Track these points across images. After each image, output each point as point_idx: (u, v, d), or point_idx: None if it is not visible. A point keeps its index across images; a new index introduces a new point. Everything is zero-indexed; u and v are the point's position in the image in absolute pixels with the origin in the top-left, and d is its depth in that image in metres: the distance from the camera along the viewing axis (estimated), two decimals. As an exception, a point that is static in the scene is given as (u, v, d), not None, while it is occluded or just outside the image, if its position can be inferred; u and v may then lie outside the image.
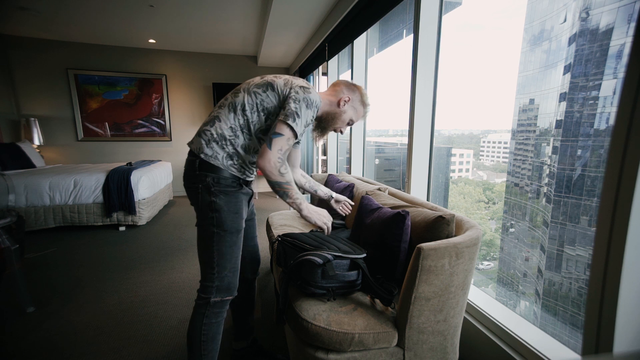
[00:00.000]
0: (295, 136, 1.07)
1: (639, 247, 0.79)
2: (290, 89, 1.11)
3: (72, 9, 3.41)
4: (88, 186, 3.49)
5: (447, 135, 2.29)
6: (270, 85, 1.13)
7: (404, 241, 1.22)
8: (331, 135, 3.80)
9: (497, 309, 1.39)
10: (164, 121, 5.27)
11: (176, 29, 4.06)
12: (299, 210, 1.16)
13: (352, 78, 2.94)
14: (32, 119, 4.48)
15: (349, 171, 3.21)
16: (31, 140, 4.46)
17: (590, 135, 1.30)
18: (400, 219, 1.23)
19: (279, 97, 1.12)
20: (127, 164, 4.13)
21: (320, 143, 1.35)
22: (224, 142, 1.10)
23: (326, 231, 1.23)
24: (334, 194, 1.57)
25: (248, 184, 1.23)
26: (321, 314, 1.06)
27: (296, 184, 1.47)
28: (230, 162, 1.12)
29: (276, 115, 1.12)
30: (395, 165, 3.25)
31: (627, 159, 0.78)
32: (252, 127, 1.12)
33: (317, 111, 1.17)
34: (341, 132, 1.36)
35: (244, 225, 1.18)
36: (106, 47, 4.79)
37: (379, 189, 1.77)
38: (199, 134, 1.13)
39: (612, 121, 1.03)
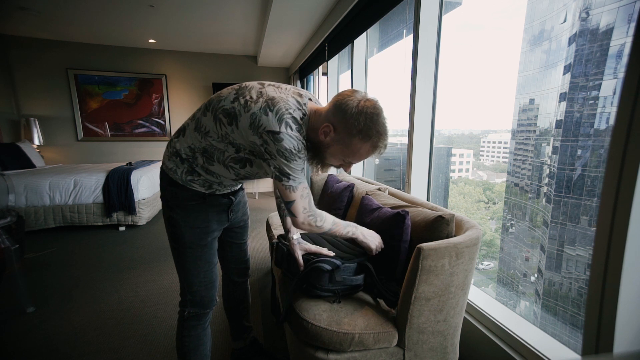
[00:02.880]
0: (304, 184, 0.95)
1: (639, 247, 0.79)
2: (260, 137, 0.87)
3: (72, 8, 3.41)
4: (88, 186, 3.49)
5: (447, 135, 2.29)
6: (235, 120, 0.90)
7: (404, 241, 1.22)
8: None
9: (497, 309, 1.39)
10: (164, 121, 5.26)
11: (176, 29, 4.06)
12: (355, 239, 1.15)
13: (352, 78, 2.94)
14: (32, 119, 4.48)
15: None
16: (31, 140, 4.46)
17: (590, 135, 1.30)
18: (400, 219, 1.23)
19: (244, 138, 0.91)
20: (127, 164, 4.13)
21: (323, 174, 1.12)
22: (182, 159, 1.02)
23: (373, 252, 1.19)
24: (295, 238, 1.23)
25: (218, 196, 1.11)
26: (321, 314, 1.06)
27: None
28: (190, 177, 1.03)
29: (251, 153, 0.96)
30: (395, 165, 3.25)
31: (627, 159, 0.78)
32: (215, 154, 0.98)
33: (305, 152, 0.92)
34: (345, 171, 1.05)
35: (212, 238, 1.12)
36: (106, 47, 4.79)
37: (379, 189, 1.77)
38: (169, 142, 1.07)
39: (612, 121, 1.03)
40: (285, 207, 0.97)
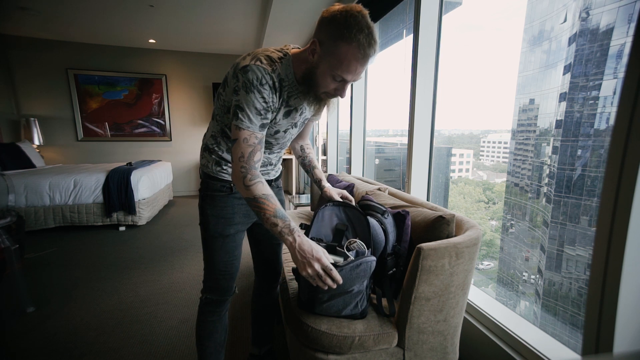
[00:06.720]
0: (253, 131, 0.88)
1: (639, 247, 0.79)
2: (235, 77, 0.89)
3: (72, 8, 3.41)
4: (88, 186, 3.49)
5: (447, 135, 2.29)
6: (225, 81, 0.97)
7: (404, 241, 1.22)
8: (331, 135, 3.80)
9: (497, 309, 1.39)
10: (164, 121, 5.26)
11: (176, 29, 4.06)
12: (284, 242, 0.86)
13: (352, 78, 2.93)
14: (32, 119, 4.48)
15: (349, 171, 3.21)
16: (31, 140, 4.46)
17: (590, 135, 1.30)
18: (400, 219, 1.23)
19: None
20: (127, 164, 4.13)
21: (320, 116, 1.17)
22: (210, 151, 1.08)
23: (315, 283, 0.86)
24: (327, 186, 1.27)
25: None
26: (321, 318, 1.06)
27: (294, 152, 1.35)
28: (218, 168, 1.07)
29: None
30: (395, 165, 3.25)
31: (627, 159, 0.78)
32: (228, 131, 1.03)
33: (271, 86, 0.89)
34: (341, 96, 0.95)
35: (236, 230, 1.12)
36: (106, 47, 4.79)
37: (379, 189, 1.77)
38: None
39: (612, 121, 1.03)
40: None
